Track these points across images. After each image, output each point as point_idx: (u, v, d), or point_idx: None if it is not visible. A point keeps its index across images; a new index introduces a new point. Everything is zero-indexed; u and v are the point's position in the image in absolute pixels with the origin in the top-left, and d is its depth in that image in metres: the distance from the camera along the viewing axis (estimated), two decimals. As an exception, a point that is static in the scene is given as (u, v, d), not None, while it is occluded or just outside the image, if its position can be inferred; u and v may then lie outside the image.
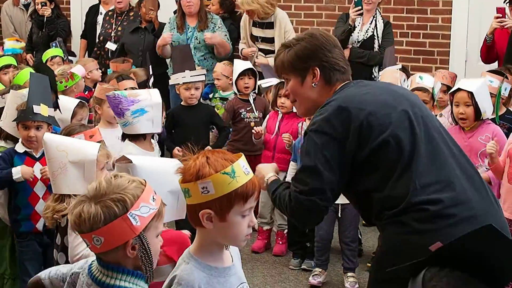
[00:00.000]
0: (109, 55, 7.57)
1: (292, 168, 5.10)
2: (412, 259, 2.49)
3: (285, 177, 5.08)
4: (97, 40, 7.95)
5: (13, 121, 4.07)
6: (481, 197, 2.69)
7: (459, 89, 4.52)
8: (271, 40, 6.94)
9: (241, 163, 2.13)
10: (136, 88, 5.46)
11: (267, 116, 5.62)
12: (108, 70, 7.02)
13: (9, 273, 4.36)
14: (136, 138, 4.12)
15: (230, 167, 2.09)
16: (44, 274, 2.38)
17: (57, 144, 3.00)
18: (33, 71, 4.83)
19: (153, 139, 4.27)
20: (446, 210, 2.59)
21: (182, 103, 5.69)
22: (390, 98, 2.76)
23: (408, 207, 2.60)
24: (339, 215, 4.89)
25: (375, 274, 2.84)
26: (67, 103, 4.79)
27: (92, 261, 2.19)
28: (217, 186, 2.08)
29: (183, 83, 5.52)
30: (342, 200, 4.66)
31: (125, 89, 5.33)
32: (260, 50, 6.86)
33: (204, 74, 5.65)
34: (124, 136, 4.17)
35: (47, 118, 4.03)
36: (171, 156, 5.39)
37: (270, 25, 6.94)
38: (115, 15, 7.92)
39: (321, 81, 2.84)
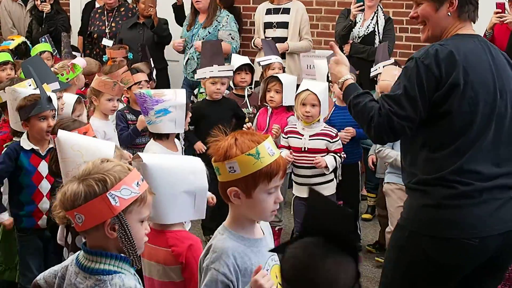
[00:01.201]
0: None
1: None
2: (432, 230, 2.77)
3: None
4: (89, 39, 7.97)
5: (27, 115, 3.98)
6: None
7: None
8: (285, 25, 6.96)
9: (266, 144, 2.27)
10: (147, 81, 5.48)
11: (258, 113, 5.62)
12: (104, 57, 7.02)
13: (3, 261, 4.37)
14: (160, 137, 4.13)
15: (255, 149, 2.24)
16: (40, 276, 2.42)
17: (72, 144, 2.95)
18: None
19: (177, 138, 4.29)
20: (472, 193, 2.77)
21: (206, 97, 5.71)
22: (493, 81, 2.83)
23: (440, 179, 2.78)
24: (282, 198, 4.86)
25: (396, 241, 2.97)
26: (67, 98, 4.79)
27: (79, 253, 2.24)
28: (242, 166, 2.25)
29: (210, 77, 5.53)
30: (303, 194, 4.80)
31: (140, 82, 5.41)
32: (272, 39, 6.84)
33: (232, 70, 5.65)
34: (151, 134, 4.21)
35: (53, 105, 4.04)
36: (193, 151, 5.44)
37: (287, 11, 6.99)
38: (105, 12, 7.93)
39: (456, 12, 2.90)
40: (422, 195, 2.84)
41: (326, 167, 4.72)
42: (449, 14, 2.89)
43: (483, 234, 2.77)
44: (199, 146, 5.48)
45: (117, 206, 2.10)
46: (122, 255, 2.16)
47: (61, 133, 3.01)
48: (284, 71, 6.06)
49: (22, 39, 7.29)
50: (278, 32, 6.99)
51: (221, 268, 2.25)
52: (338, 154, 4.80)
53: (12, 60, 5.99)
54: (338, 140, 4.86)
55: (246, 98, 5.97)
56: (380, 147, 4.78)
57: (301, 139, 4.87)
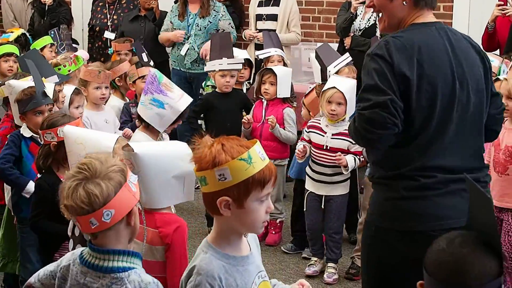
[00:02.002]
0: (108, 44, 7.56)
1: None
2: (396, 224, 2.68)
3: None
4: (91, 32, 7.97)
5: (24, 109, 4.00)
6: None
7: (497, 79, 4.48)
8: (275, 18, 6.96)
9: (257, 148, 2.11)
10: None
11: (253, 105, 5.60)
12: (109, 49, 7.02)
13: (6, 254, 4.38)
14: (147, 125, 4.11)
15: (247, 153, 2.07)
16: (33, 278, 2.37)
17: (76, 137, 3.01)
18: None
19: (165, 132, 4.28)
20: (436, 185, 2.68)
21: (216, 90, 5.70)
22: (451, 71, 2.70)
23: (400, 175, 2.70)
24: (322, 206, 4.88)
25: (365, 238, 2.90)
26: (66, 90, 4.80)
27: (82, 251, 2.21)
28: (234, 172, 2.06)
29: (219, 70, 5.53)
30: (325, 191, 4.81)
31: (144, 76, 5.34)
32: (262, 30, 6.85)
33: (241, 63, 5.64)
34: (139, 120, 4.18)
35: (51, 99, 4.04)
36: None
37: (277, 3, 7.02)
38: (107, 5, 7.93)
39: (411, 1, 2.79)
40: (385, 189, 2.76)
41: (346, 166, 4.67)
42: (405, 3, 2.78)
43: (448, 225, 2.57)
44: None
45: (136, 192, 2.15)
46: (133, 250, 2.17)
47: (67, 127, 3.06)
48: (285, 63, 6.04)
49: (21, 31, 7.28)
50: (267, 25, 7.02)
51: None
52: (358, 157, 4.72)
53: (17, 53, 5.99)
54: None
55: (245, 92, 5.98)
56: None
57: (323, 136, 4.78)
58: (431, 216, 2.67)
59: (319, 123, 4.83)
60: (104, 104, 5.24)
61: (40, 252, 3.64)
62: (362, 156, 4.76)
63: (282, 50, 6.23)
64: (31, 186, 3.91)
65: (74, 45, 7.09)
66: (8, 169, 3.94)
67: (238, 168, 2.06)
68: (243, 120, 5.34)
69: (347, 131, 4.64)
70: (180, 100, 4.03)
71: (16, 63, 5.80)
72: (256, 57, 6.42)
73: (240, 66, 5.64)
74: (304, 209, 4.93)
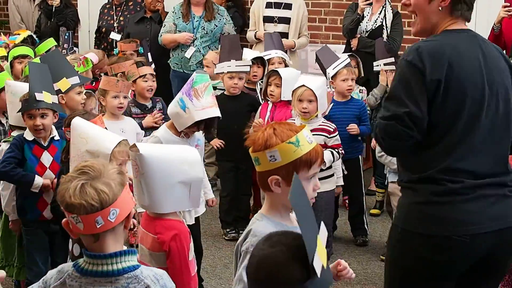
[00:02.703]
0: (114, 45, 7.57)
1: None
2: (422, 228, 2.71)
3: None
4: (97, 34, 7.99)
5: (18, 112, 4.06)
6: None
7: None
8: (287, 21, 6.95)
9: (305, 133, 2.35)
10: (153, 74, 5.48)
11: (259, 107, 5.59)
12: (114, 50, 7.03)
13: (3, 257, 4.41)
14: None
15: (295, 137, 2.32)
16: None
17: (81, 131, 3.01)
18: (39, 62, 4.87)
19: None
20: (463, 190, 2.71)
21: (225, 92, 5.71)
22: (481, 77, 2.73)
23: (428, 178, 2.73)
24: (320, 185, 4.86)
25: (390, 240, 2.94)
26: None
27: (75, 263, 2.18)
28: (283, 154, 2.31)
29: (228, 72, 5.54)
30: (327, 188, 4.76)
31: (145, 75, 5.37)
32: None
33: (249, 65, 5.64)
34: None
35: (51, 105, 4.03)
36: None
37: (288, 6, 7.00)
38: (114, 6, 7.95)
39: (448, 8, 2.81)
40: (412, 193, 2.80)
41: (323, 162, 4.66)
42: (441, 9, 2.81)
43: (474, 231, 2.69)
44: (215, 142, 5.52)
45: (131, 196, 2.20)
46: (129, 249, 2.18)
47: (76, 119, 3.07)
48: (286, 65, 6.04)
49: (28, 33, 7.30)
50: (280, 28, 6.99)
51: None
52: (336, 150, 4.76)
53: (32, 55, 6.00)
54: (336, 135, 4.82)
55: (258, 92, 5.95)
56: (380, 153, 4.76)
57: None
58: (456, 221, 2.70)
59: (294, 122, 4.82)
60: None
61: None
62: (341, 149, 4.80)
63: (285, 51, 6.22)
64: (38, 180, 3.95)
65: (75, 48, 7.11)
66: (12, 170, 3.94)
67: (287, 150, 2.31)
68: (253, 124, 5.33)
69: (321, 126, 4.76)
70: (202, 110, 3.97)
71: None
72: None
73: (247, 69, 5.63)
74: None
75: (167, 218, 2.91)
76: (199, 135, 4.23)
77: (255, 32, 7.09)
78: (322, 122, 4.84)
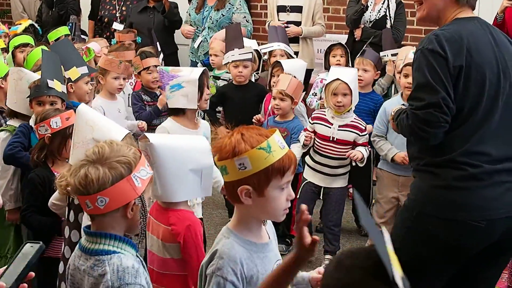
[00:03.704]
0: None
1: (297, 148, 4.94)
2: (440, 212, 2.77)
3: None
4: (99, 23, 7.97)
5: (27, 97, 4.05)
6: None
7: None
8: (299, 9, 6.92)
9: (276, 137, 2.14)
10: (157, 66, 5.50)
11: (264, 99, 5.59)
12: (112, 40, 7.03)
13: (12, 252, 4.39)
14: (176, 113, 4.15)
15: (266, 142, 2.10)
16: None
17: (88, 118, 3.00)
18: (46, 49, 4.86)
19: (201, 116, 4.36)
20: (481, 175, 2.77)
21: (232, 81, 5.73)
22: (496, 60, 2.81)
23: (450, 162, 2.78)
24: (321, 198, 4.87)
25: (402, 221, 2.98)
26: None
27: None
28: (253, 161, 2.09)
29: (232, 61, 5.56)
30: (324, 183, 4.79)
31: (149, 67, 5.42)
32: (286, 22, 6.85)
33: (251, 52, 5.65)
34: (169, 112, 4.26)
35: (61, 93, 4.05)
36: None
37: None
38: (116, -4, 7.93)
39: None
40: (432, 177, 2.85)
41: (362, 159, 4.64)
42: None
43: (490, 216, 2.77)
44: (222, 131, 5.48)
45: (139, 187, 2.15)
46: (126, 238, 2.20)
47: (82, 106, 3.07)
48: (288, 57, 6.02)
49: (29, 22, 7.29)
50: (292, 16, 6.95)
51: (229, 276, 2.10)
52: (365, 148, 4.72)
53: (32, 43, 6.00)
54: (366, 134, 4.76)
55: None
56: (375, 137, 4.77)
57: (330, 128, 4.74)
58: (473, 206, 2.77)
59: (325, 115, 4.81)
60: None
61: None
62: (369, 147, 4.77)
63: (288, 44, 6.20)
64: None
65: (82, 36, 7.10)
66: (18, 153, 3.92)
67: (257, 157, 2.09)
68: (253, 119, 5.32)
69: (353, 123, 4.69)
70: (192, 73, 4.11)
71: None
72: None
73: (250, 56, 5.63)
74: (297, 197, 4.85)
75: (179, 208, 2.91)
76: (205, 127, 4.26)
77: (269, 23, 7.06)
78: (354, 118, 4.77)
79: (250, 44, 6.09)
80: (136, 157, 2.18)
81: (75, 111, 3.23)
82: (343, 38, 6.87)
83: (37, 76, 4.17)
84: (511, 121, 2.85)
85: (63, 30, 6.64)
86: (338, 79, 4.69)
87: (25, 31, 6.84)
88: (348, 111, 4.75)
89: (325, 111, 4.84)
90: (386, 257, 1.46)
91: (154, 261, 2.98)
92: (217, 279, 2.10)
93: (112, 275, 2.10)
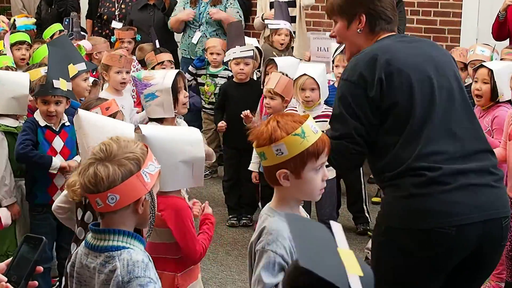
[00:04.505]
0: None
1: None
2: (405, 223, 2.67)
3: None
4: (99, 20, 7.96)
5: (33, 95, 4.05)
6: (482, 174, 2.73)
7: (481, 65, 4.51)
8: (293, 4, 6.93)
9: (309, 123, 2.29)
10: (172, 61, 5.50)
11: (261, 98, 5.55)
12: (112, 37, 7.04)
13: (13, 250, 4.38)
14: (156, 120, 4.09)
15: (300, 128, 2.25)
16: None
17: (94, 120, 3.01)
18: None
19: (181, 118, 4.27)
20: (443, 178, 2.65)
21: (234, 79, 5.74)
22: (422, 61, 2.80)
23: (407, 170, 2.68)
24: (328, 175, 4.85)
25: (375, 238, 2.92)
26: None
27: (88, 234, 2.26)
28: (289, 147, 2.25)
29: (233, 58, 5.58)
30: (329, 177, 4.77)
31: (162, 62, 5.45)
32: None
33: (252, 50, 5.67)
34: (149, 119, 4.18)
35: (66, 92, 4.04)
36: None
37: None
38: (115, -7, 7.92)
39: (366, 28, 2.87)
40: (394, 189, 2.74)
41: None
42: (359, 31, 2.87)
43: (459, 222, 2.61)
44: (221, 126, 5.57)
45: (149, 182, 2.17)
46: (135, 233, 2.20)
47: (81, 111, 3.05)
48: (291, 37, 6.02)
49: (32, 20, 7.29)
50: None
51: (279, 249, 2.22)
52: None
53: (29, 41, 6.00)
54: None
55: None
56: None
57: None
58: (440, 213, 2.63)
59: (296, 110, 4.81)
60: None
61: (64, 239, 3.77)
62: None
63: (290, 23, 6.21)
64: (56, 161, 3.96)
65: (82, 33, 7.08)
66: (30, 152, 3.94)
67: (293, 143, 2.25)
68: (241, 115, 5.31)
69: (324, 113, 4.70)
70: (164, 79, 3.99)
71: (28, 51, 5.80)
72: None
73: (251, 53, 5.64)
74: None
75: (169, 195, 2.96)
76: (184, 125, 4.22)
77: (262, 14, 7.05)
78: (325, 108, 4.80)
79: (251, 42, 6.09)
80: (144, 152, 2.19)
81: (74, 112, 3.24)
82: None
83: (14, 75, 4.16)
84: (455, 116, 2.76)
85: (56, 27, 6.63)
86: (305, 74, 4.73)
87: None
88: (318, 104, 4.79)
89: (297, 107, 4.87)
90: (338, 278, 1.38)
91: (147, 247, 3.02)
92: (267, 254, 2.23)
93: (122, 270, 2.11)
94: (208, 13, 7.02)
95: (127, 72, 5.11)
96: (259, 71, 6.15)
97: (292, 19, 6.91)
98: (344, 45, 5.39)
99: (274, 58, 5.50)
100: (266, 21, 6.16)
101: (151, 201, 2.20)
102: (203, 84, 6.39)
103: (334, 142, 2.69)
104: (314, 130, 2.29)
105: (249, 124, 5.30)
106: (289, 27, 6.10)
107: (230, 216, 5.63)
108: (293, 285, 1.55)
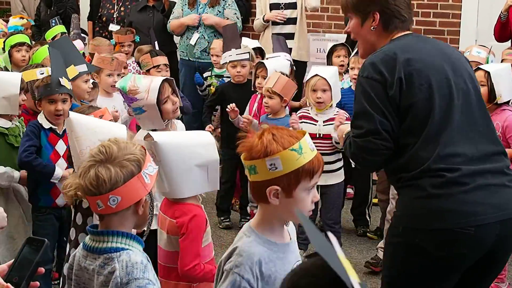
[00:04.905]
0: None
1: None
2: (424, 223, 2.67)
3: None
4: (100, 20, 7.96)
5: (39, 96, 4.02)
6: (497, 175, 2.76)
7: (478, 68, 4.51)
8: (294, 6, 6.93)
9: (307, 139, 2.16)
10: (167, 64, 5.49)
11: (250, 99, 5.57)
12: (111, 41, 7.04)
13: None
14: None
15: (298, 144, 2.12)
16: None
17: (85, 123, 2.99)
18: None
19: (179, 119, 4.18)
20: (462, 179, 2.67)
21: (231, 80, 5.75)
22: (440, 62, 2.80)
23: (426, 171, 2.69)
24: (319, 197, 4.83)
25: (390, 239, 2.92)
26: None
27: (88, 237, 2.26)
28: (285, 162, 2.10)
29: (230, 61, 5.58)
30: (322, 181, 4.73)
31: (158, 65, 5.42)
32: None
33: (248, 52, 5.67)
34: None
35: (70, 90, 4.05)
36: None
37: None
38: (115, -5, 7.92)
39: (380, 26, 2.87)
40: (412, 189, 2.75)
41: (337, 143, 4.61)
42: (373, 29, 2.87)
43: (478, 222, 2.65)
44: (207, 129, 5.47)
45: (149, 183, 2.17)
46: (129, 233, 2.20)
47: (72, 114, 3.05)
48: (292, 68, 6.02)
49: (23, 21, 7.29)
50: (286, 13, 6.96)
51: (246, 274, 2.11)
52: None
53: (29, 42, 6.00)
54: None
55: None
56: None
57: (315, 125, 4.75)
58: (458, 213, 2.66)
59: (309, 113, 4.82)
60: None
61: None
62: None
63: (290, 54, 6.21)
64: (58, 172, 3.94)
65: (82, 34, 7.09)
66: (34, 160, 3.92)
67: (289, 158, 2.10)
68: (226, 109, 5.29)
69: (336, 116, 4.61)
70: (149, 94, 3.76)
71: (28, 52, 5.81)
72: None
73: (247, 56, 5.63)
74: None
75: (186, 202, 2.93)
76: (181, 128, 4.10)
77: (263, 16, 7.03)
78: (337, 111, 4.78)
79: (252, 44, 6.08)
80: (143, 153, 2.19)
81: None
82: (342, 38, 6.87)
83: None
84: (472, 118, 2.78)
85: (59, 29, 6.63)
86: (317, 75, 4.72)
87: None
88: (330, 106, 4.77)
89: (309, 110, 4.86)
90: (341, 269, 1.39)
91: (161, 255, 3.01)
92: (233, 276, 2.12)
93: (121, 271, 2.11)
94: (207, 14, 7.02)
95: (118, 75, 5.11)
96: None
97: (293, 21, 6.93)
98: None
99: (264, 61, 5.51)
100: (266, 55, 6.12)
101: (150, 202, 2.21)
102: (209, 85, 6.38)
103: (360, 141, 2.75)
104: (311, 147, 2.17)
105: (234, 120, 5.28)
106: (289, 58, 6.07)
107: (223, 218, 5.64)
108: (297, 287, 1.52)
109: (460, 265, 2.75)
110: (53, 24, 6.88)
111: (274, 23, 6.98)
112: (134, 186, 2.13)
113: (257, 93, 5.46)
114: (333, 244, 1.48)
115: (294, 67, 6.00)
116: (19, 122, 4.26)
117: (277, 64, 5.39)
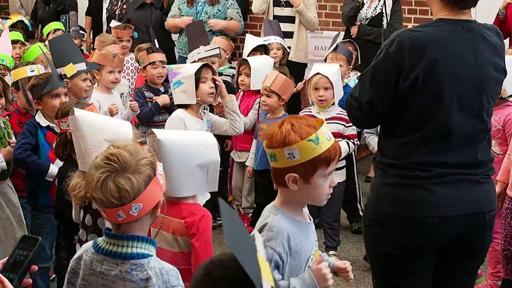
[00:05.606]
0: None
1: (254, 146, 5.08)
2: (389, 208, 2.74)
3: (248, 157, 5.17)
4: (104, 17, 7.95)
5: (39, 94, 3.98)
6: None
7: None
8: (291, 4, 6.92)
9: (324, 129, 2.28)
10: (164, 61, 5.50)
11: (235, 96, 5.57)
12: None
13: None
14: (182, 107, 4.34)
15: (315, 134, 2.24)
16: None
17: (90, 121, 2.94)
18: (43, 46, 4.85)
19: (207, 110, 4.49)
20: (434, 177, 2.70)
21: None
22: (467, 74, 2.67)
23: (400, 165, 2.73)
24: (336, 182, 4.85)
25: (363, 219, 2.97)
26: None
27: (96, 240, 2.21)
28: (302, 152, 2.24)
29: (199, 59, 5.51)
30: (339, 180, 4.78)
31: (154, 62, 5.45)
32: (282, 17, 6.87)
33: (218, 48, 5.64)
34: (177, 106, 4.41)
35: (77, 72, 4.08)
36: None
37: None
38: (118, -8, 7.92)
39: None
40: (383, 174, 2.80)
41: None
42: None
43: (442, 213, 2.68)
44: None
45: (163, 184, 2.15)
46: (147, 237, 2.16)
47: (77, 111, 2.97)
48: (284, 51, 6.02)
49: (19, 17, 7.26)
50: (287, 11, 6.97)
51: (277, 247, 2.25)
52: (352, 140, 4.72)
53: (22, 40, 5.99)
54: (352, 125, 4.71)
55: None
56: (365, 132, 4.81)
57: None
58: (425, 203, 2.70)
59: (311, 112, 4.83)
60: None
61: (63, 237, 3.75)
62: (356, 139, 4.79)
63: (282, 38, 6.20)
64: (53, 169, 3.89)
65: (81, 31, 7.08)
66: (28, 158, 3.90)
67: (306, 148, 2.24)
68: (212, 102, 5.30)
69: (339, 115, 4.72)
70: (191, 68, 4.29)
71: (21, 49, 5.79)
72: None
73: (216, 51, 5.57)
74: None
75: (191, 202, 2.93)
76: (206, 118, 4.34)
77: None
78: (340, 111, 4.77)
79: (257, 42, 5.98)
80: (152, 154, 2.16)
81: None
82: (340, 36, 6.88)
83: None
84: (472, 134, 2.74)
85: (54, 25, 6.62)
86: (318, 73, 4.73)
87: (13, 26, 6.76)
88: (333, 104, 4.78)
89: (311, 108, 4.87)
90: (253, 269, 1.41)
91: (163, 256, 2.98)
92: (266, 249, 2.21)
93: (157, 279, 2.09)
94: (206, 13, 7.02)
95: (119, 72, 5.14)
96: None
97: (291, 19, 6.92)
98: (334, 45, 5.55)
99: (247, 58, 5.47)
100: (256, 39, 6.12)
101: (163, 203, 2.18)
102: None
103: (349, 100, 2.82)
104: (327, 137, 2.28)
105: (220, 113, 5.25)
106: (280, 41, 6.05)
107: (218, 217, 5.59)
108: (209, 276, 1.57)
109: (420, 254, 2.79)
110: (62, 21, 6.85)
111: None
112: (153, 190, 2.09)
113: (240, 90, 5.45)
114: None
115: (293, 68, 5.99)
116: (3, 122, 4.18)
117: (261, 62, 5.36)
